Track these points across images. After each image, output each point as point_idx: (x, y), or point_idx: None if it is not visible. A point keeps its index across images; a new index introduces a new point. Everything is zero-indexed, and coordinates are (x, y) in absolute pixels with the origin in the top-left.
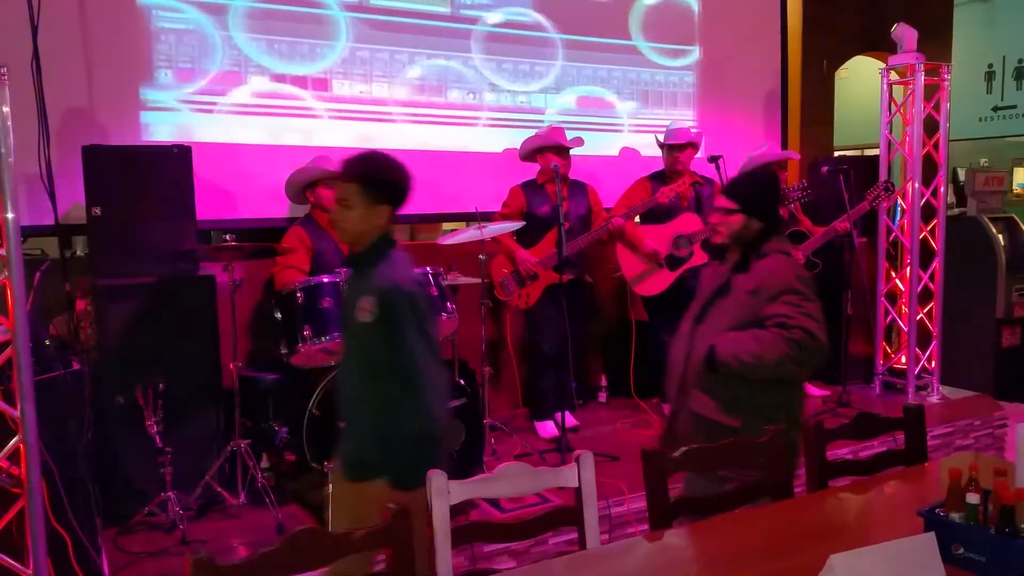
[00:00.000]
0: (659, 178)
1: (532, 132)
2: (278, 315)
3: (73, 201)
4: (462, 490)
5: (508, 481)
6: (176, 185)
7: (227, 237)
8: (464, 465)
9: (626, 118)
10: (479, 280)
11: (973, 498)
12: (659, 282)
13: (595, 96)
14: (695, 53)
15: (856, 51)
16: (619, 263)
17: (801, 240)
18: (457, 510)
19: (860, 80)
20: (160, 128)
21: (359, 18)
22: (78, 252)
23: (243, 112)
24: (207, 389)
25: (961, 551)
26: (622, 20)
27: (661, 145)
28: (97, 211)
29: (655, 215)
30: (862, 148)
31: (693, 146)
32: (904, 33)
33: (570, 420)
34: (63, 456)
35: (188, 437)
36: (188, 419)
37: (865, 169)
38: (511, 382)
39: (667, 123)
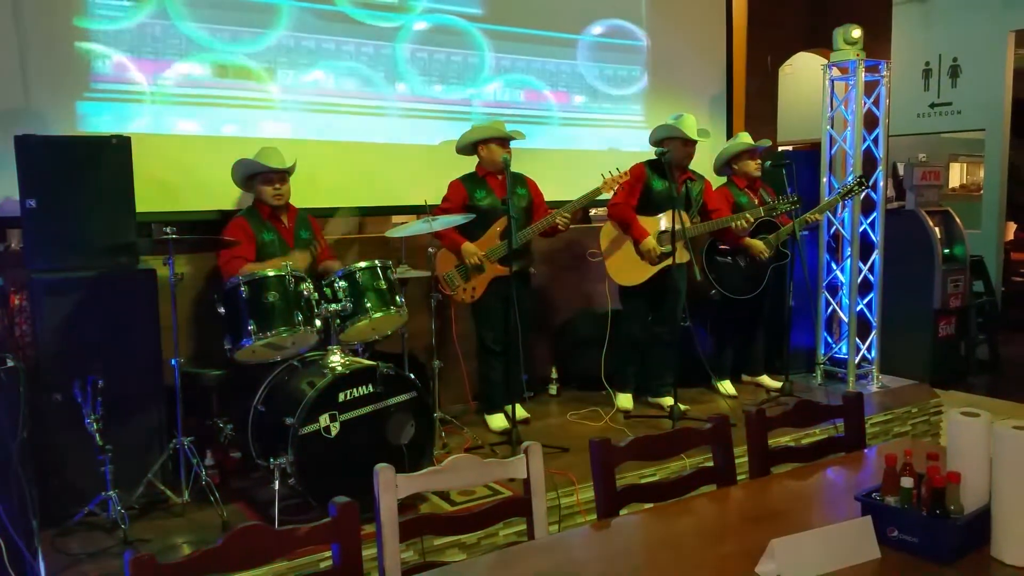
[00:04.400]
0: (657, 168)
1: (470, 125)
2: (221, 309)
3: (5, 194)
4: (410, 484)
5: (456, 474)
6: (115, 176)
7: (168, 230)
8: (414, 459)
9: (573, 112)
10: (428, 273)
11: (907, 482)
12: (638, 274)
13: (543, 91)
14: (643, 48)
15: (800, 47)
16: (600, 247)
17: (772, 229)
18: (407, 504)
19: (803, 76)
20: (98, 118)
21: (304, 7)
22: (12, 246)
23: (185, 102)
24: (149, 386)
25: (896, 533)
26: (569, 15)
27: (666, 138)
28: (32, 203)
29: (645, 206)
30: (806, 143)
31: None
32: (848, 29)
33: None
34: None
35: (129, 435)
36: (129, 416)
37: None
38: (458, 376)
39: (615, 116)
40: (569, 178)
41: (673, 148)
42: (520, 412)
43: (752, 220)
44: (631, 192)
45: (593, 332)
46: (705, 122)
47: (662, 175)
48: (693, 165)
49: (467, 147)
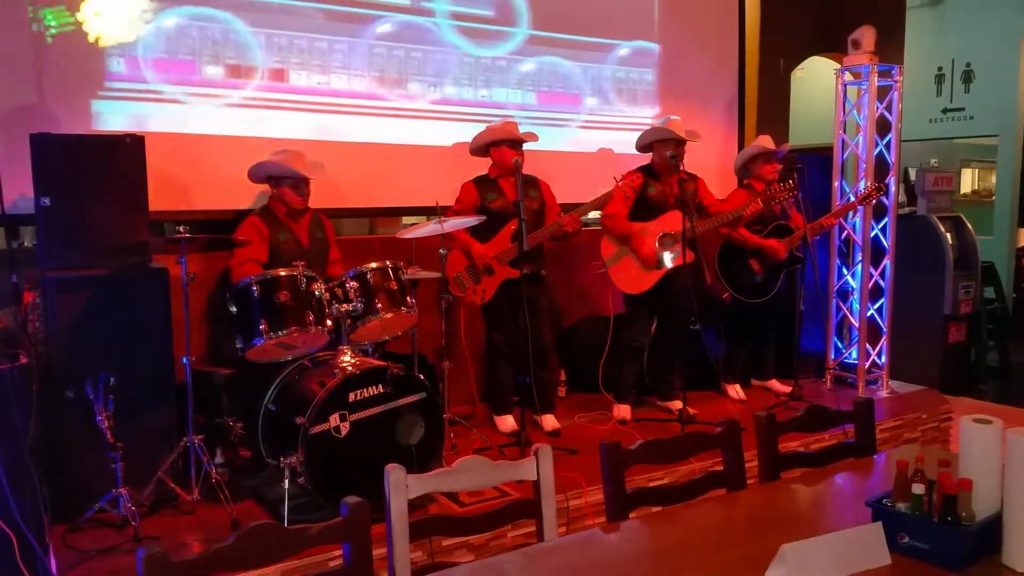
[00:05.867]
0: (650, 172)
1: (483, 127)
2: (233, 309)
3: (20, 191)
4: (420, 484)
5: (466, 475)
6: (128, 175)
7: (180, 229)
8: (423, 459)
9: (586, 114)
10: (439, 275)
11: (918, 488)
12: (643, 281)
13: (556, 92)
14: (655, 51)
15: (812, 52)
16: (603, 258)
17: (786, 234)
18: (415, 504)
19: (815, 80)
20: (112, 117)
21: (318, 8)
22: (26, 243)
23: (198, 102)
24: (160, 383)
25: (906, 539)
26: (582, 16)
27: (657, 141)
28: (46, 201)
29: (642, 211)
30: (818, 148)
31: None
32: (863, 34)
33: (551, 423)
34: (9, 452)
35: (140, 432)
36: (140, 414)
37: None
38: (466, 378)
39: (628, 120)
40: (582, 181)
41: (667, 149)
42: (552, 423)
43: (750, 213)
44: (624, 202)
45: (601, 335)
46: (717, 126)
47: (655, 179)
48: (702, 172)
49: (480, 149)
